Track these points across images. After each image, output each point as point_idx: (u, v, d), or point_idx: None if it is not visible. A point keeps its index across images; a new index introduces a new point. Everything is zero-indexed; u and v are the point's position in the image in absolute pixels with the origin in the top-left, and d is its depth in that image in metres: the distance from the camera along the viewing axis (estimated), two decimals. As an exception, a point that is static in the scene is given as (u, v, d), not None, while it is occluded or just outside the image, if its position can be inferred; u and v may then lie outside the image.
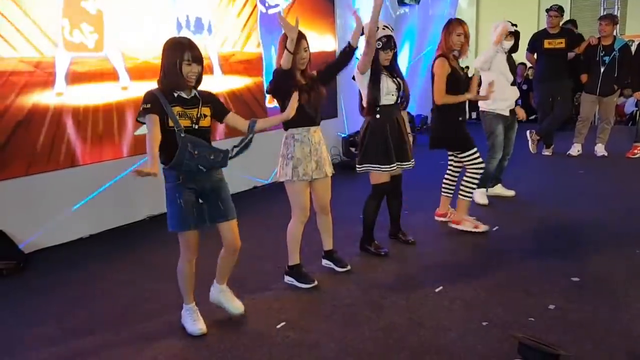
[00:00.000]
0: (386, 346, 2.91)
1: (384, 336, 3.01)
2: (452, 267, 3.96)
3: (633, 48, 7.70)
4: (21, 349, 3.03)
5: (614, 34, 7.47)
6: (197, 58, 2.85)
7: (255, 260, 4.20)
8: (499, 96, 5.07)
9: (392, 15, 9.12)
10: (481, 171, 4.59)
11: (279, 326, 3.16)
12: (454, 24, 4.41)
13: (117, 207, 5.03)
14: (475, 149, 4.51)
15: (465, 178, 4.62)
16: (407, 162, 4.13)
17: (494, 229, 4.75)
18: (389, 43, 3.93)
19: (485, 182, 5.47)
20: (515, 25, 5.17)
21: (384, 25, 3.99)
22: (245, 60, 6.32)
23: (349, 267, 3.89)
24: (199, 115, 2.93)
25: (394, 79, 4.00)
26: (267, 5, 6.51)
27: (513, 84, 5.28)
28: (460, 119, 4.50)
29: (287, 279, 3.75)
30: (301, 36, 3.44)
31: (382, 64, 3.96)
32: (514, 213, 5.23)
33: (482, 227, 4.63)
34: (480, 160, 4.53)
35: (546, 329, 3.00)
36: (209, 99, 3.02)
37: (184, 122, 2.87)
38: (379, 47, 3.90)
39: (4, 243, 4.23)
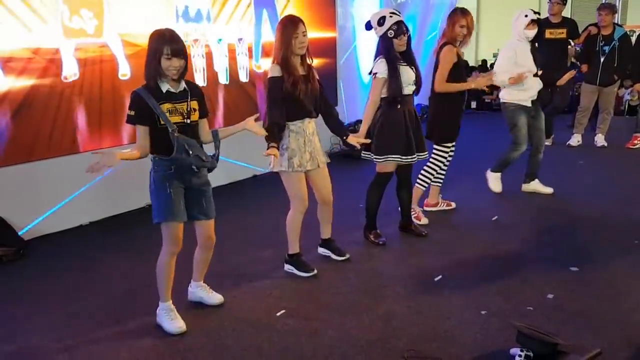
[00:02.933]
0: (385, 334, 2.92)
1: (383, 324, 3.03)
2: (451, 256, 3.97)
3: (634, 39, 7.66)
4: (21, 336, 3.04)
5: (614, 23, 7.43)
6: (177, 51, 2.77)
7: (255, 249, 4.21)
8: (520, 87, 4.97)
9: (392, 4, 9.07)
10: (438, 169, 4.64)
11: (278, 314, 3.17)
12: (457, 16, 4.38)
13: (118, 194, 5.02)
14: (449, 146, 4.57)
15: (425, 167, 4.65)
16: (424, 153, 4.11)
17: (493, 218, 4.76)
18: (401, 29, 3.86)
19: (503, 167, 5.37)
20: (538, 13, 5.00)
21: (391, 12, 3.92)
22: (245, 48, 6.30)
23: (347, 256, 3.88)
24: (189, 110, 2.89)
25: (412, 67, 3.96)
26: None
27: (535, 75, 5.04)
28: (458, 109, 4.48)
29: (287, 267, 3.76)
30: (298, 20, 3.43)
31: (398, 50, 3.92)
32: (513, 203, 5.23)
33: (424, 220, 4.61)
34: (444, 159, 4.61)
35: (545, 318, 3.02)
36: (197, 93, 2.97)
37: (176, 118, 2.84)
38: (391, 35, 3.86)
39: (4, 230, 4.22)
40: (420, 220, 4.60)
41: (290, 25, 3.40)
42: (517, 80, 4.85)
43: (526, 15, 4.90)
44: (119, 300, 3.44)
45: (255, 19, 6.36)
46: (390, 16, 3.89)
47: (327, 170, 3.73)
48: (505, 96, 5.16)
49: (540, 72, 5.03)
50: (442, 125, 4.52)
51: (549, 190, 5.42)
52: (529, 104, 5.08)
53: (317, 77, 3.58)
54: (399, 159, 4.00)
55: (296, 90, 3.40)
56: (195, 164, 2.90)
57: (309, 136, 3.55)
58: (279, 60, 3.43)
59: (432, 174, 4.68)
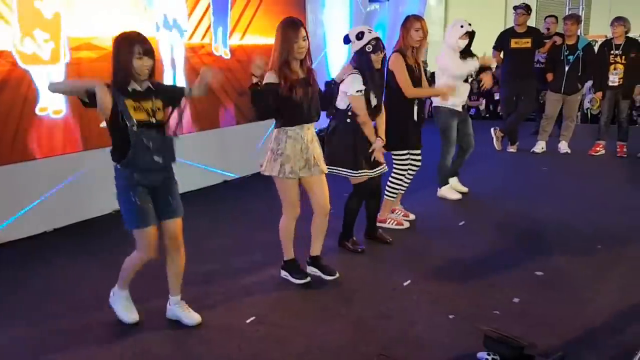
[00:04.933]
0: (355, 339, 2.93)
1: (353, 330, 3.04)
2: (420, 261, 4.01)
3: (596, 48, 7.88)
4: (-17, 346, 2.96)
5: (578, 33, 7.65)
6: (149, 51, 2.82)
7: (226, 255, 4.18)
8: (453, 93, 5.22)
9: (362, 12, 9.14)
10: (402, 175, 4.69)
11: (248, 321, 3.16)
12: (411, 20, 4.47)
13: (82, 200, 4.93)
14: (405, 152, 4.61)
15: (390, 178, 4.70)
16: (379, 168, 4.09)
17: (460, 223, 4.83)
18: (378, 45, 3.89)
19: (446, 178, 5.60)
20: (470, 25, 5.22)
21: (368, 29, 3.97)
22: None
23: (337, 275, 3.65)
24: (154, 109, 2.90)
25: (376, 90, 3.98)
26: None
27: (465, 80, 5.37)
28: (406, 116, 4.54)
29: (283, 273, 3.69)
30: (300, 24, 3.34)
31: (375, 67, 3.91)
32: (479, 208, 5.32)
33: (405, 224, 4.76)
34: (406, 166, 4.65)
35: (511, 322, 3.07)
36: (159, 91, 2.98)
37: (140, 116, 2.84)
38: (370, 50, 3.86)
39: (-36, 237, 4.12)
40: (402, 225, 4.72)
41: (291, 30, 3.30)
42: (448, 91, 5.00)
43: (462, 26, 5.14)
44: (86, 308, 3.37)
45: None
46: (369, 32, 3.93)
47: (325, 180, 3.61)
48: (439, 101, 5.36)
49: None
50: (391, 133, 4.53)
51: (464, 189, 5.75)
52: (460, 109, 5.38)
53: (316, 79, 3.49)
54: (345, 172, 3.97)
55: (293, 94, 3.30)
56: (157, 155, 2.87)
57: (307, 143, 3.43)
58: (277, 65, 3.33)
59: (397, 183, 4.70)
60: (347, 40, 4.04)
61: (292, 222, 3.61)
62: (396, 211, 4.92)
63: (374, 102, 3.98)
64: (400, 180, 4.70)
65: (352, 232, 4.24)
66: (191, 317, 3.17)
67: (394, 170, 4.68)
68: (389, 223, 4.73)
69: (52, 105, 4.65)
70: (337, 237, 4.25)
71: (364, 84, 3.87)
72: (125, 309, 3.12)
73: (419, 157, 4.76)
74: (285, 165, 3.40)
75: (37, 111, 4.55)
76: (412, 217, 4.94)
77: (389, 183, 4.70)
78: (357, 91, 3.87)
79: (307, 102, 3.38)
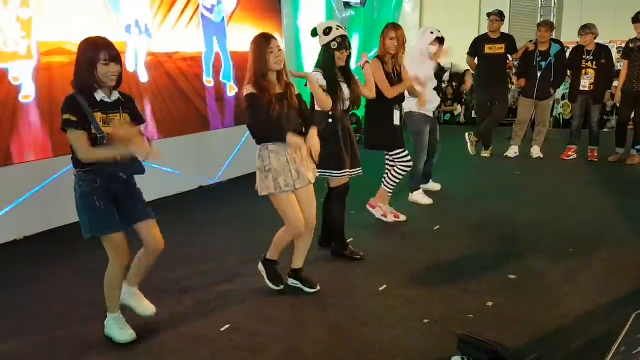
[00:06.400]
0: (331, 346, 2.92)
1: (329, 336, 3.03)
2: (395, 266, 4.02)
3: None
4: (-52, 358, 2.88)
5: (551, 39, 7.77)
6: (115, 57, 2.76)
7: (200, 262, 4.14)
8: (426, 99, 5.38)
9: (338, 17, 9.18)
10: (409, 169, 4.85)
11: (222, 329, 3.12)
12: (388, 28, 4.61)
13: (52, 208, 4.83)
14: (403, 149, 4.76)
15: (393, 172, 4.86)
16: (357, 169, 4.09)
17: (435, 228, 4.86)
18: (344, 43, 3.90)
19: (419, 182, 5.68)
20: (439, 32, 5.36)
21: (337, 25, 3.96)
22: (189, 57, 6.22)
23: (318, 288, 3.59)
24: (122, 122, 2.85)
25: (348, 85, 3.98)
26: (207, 7, 6.39)
27: (439, 86, 5.58)
28: (386, 119, 4.65)
29: (260, 267, 3.62)
30: (271, 35, 3.32)
31: (337, 65, 3.92)
32: (453, 212, 5.36)
33: (390, 218, 4.93)
34: (408, 158, 4.79)
35: (485, 325, 3.10)
36: (129, 105, 2.93)
37: (108, 129, 2.78)
38: (335, 47, 3.87)
39: None
40: (387, 217, 4.94)
41: (263, 41, 3.28)
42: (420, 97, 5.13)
43: (432, 32, 5.32)
44: (54, 318, 3.30)
45: (204, 31, 6.31)
46: (337, 29, 3.92)
47: (313, 191, 3.54)
48: (412, 107, 5.42)
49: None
50: (373, 134, 4.76)
51: (437, 186, 6.07)
52: (431, 115, 5.55)
53: (296, 92, 3.43)
54: (329, 174, 3.95)
55: (270, 109, 3.24)
56: (122, 172, 2.84)
57: (292, 153, 3.36)
58: (253, 80, 3.27)
59: (399, 178, 4.88)
60: (314, 33, 4.04)
61: (291, 239, 3.49)
62: (387, 215, 5.03)
63: (346, 104, 3.97)
64: (402, 175, 4.87)
65: (344, 239, 4.20)
66: (146, 307, 3.11)
67: (397, 167, 4.81)
68: (375, 210, 4.95)
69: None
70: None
71: (331, 85, 3.86)
72: (120, 329, 2.97)
73: (406, 159, 4.86)
74: (279, 179, 3.33)
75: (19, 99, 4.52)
76: (402, 218, 5.05)
77: (391, 176, 4.86)
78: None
79: (284, 118, 3.31)
